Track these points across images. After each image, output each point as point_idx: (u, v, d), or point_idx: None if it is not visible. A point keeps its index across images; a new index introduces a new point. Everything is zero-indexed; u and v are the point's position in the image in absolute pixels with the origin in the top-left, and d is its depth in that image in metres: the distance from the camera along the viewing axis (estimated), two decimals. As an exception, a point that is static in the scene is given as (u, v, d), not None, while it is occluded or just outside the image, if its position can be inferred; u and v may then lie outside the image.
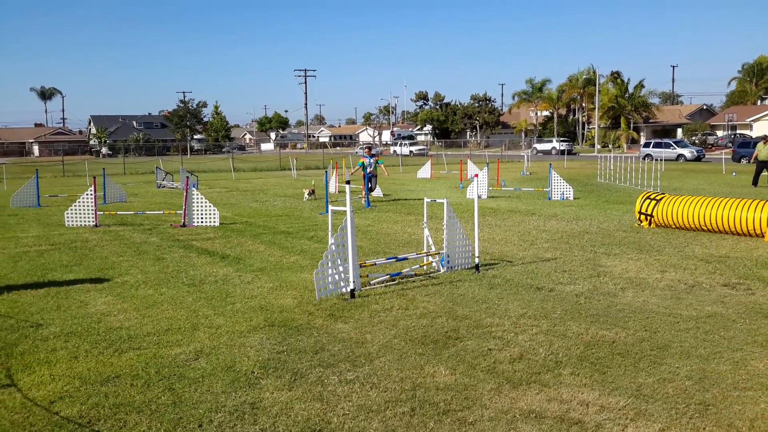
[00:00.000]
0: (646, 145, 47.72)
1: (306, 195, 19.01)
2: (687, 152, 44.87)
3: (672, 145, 45.82)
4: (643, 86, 70.70)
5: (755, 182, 22.32)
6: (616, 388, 4.58)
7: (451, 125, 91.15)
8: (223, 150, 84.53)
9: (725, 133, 66.14)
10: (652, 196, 12.45)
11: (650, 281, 7.87)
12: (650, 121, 73.35)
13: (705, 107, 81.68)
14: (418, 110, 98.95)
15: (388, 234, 11.95)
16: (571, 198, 18.29)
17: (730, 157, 39.79)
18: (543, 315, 6.42)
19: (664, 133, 70.64)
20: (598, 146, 65.87)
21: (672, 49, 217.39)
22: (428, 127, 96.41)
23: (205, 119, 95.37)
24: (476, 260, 8.48)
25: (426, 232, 8.83)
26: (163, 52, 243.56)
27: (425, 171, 30.86)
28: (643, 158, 37.98)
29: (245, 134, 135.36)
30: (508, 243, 10.74)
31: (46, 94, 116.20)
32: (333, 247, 7.22)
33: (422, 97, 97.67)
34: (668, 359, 5.14)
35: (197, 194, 13.70)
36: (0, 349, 5.58)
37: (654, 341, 5.58)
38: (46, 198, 20.26)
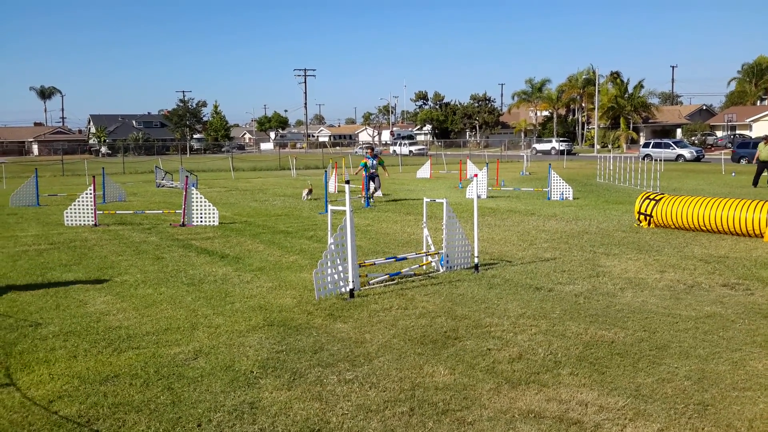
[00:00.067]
0: (646, 145, 47.73)
1: (304, 195, 19.01)
2: (686, 152, 44.89)
3: (671, 146, 45.83)
4: (642, 86, 70.78)
5: (755, 183, 22.29)
6: (615, 388, 4.58)
7: (451, 125, 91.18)
8: (223, 149, 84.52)
9: (725, 133, 66.17)
10: (651, 197, 12.46)
11: (649, 281, 7.87)
12: (650, 121, 73.38)
13: (704, 107, 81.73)
14: (418, 110, 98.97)
15: (388, 234, 11.95)
16: (571, 198, 18.29)
17: (729, 157, 39.78)
18: (542, 315, 6.42)
19: (663, 133, 70.68)
20: (597, 146, 65.91)
21: (672, 49, 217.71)
22: (428, 127, 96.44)
23: (205, 119, 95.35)
24: (475, 260, 8.48)
25: (425, 231, 8.83)
26: (162, 51, 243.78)
27: (425, 171, 30.87)
28: (643, 158, 37.99)
29: (245, 134, 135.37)
30: (508, 243, 10.75)
31: (45, 94, 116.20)
32: (332, 246, 7.22)
33: (422, 96, 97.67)
34: (667, 359, 5.14)
35: (196, 194, 13.69)
36: (-1, 349, 5.58)
37: (653, 341, 5.58)
38: (45, 197, 20.25)
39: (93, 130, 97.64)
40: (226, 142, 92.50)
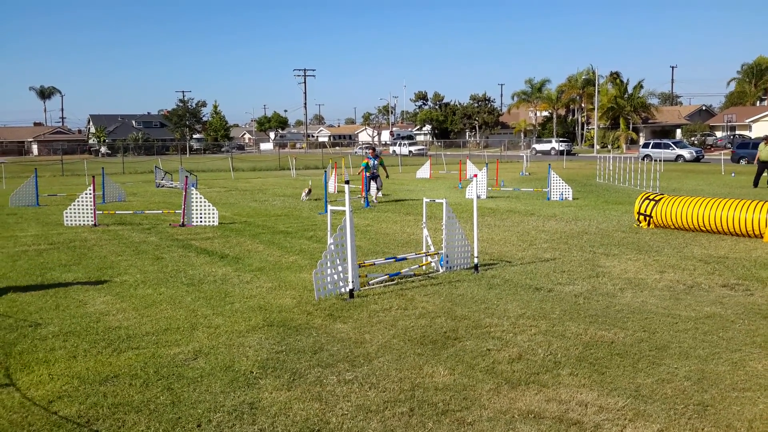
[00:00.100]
0: (645, 145, 47.73)
1: (303, 195, 19.01)
2: (686, 153, 44.90)
3: (671, 146, 45.84)
4: (642, 87, 70.79)
5: (756, 183, 22.24)
6: (614, 389, 4.58)
7: (451, 125, 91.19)
8: (222, 149, 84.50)
9: (724, 133, 66.18)
10: (651, 197, 12.46)
11: (649, 282, 7.87)
12: (649, 121, 73.41)
13: (704, 108, 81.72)
14: (418, 110, 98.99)
15: (387, 234, 11.95)
16: (570, 198, 18.30)
17: (729, 157, 39.79)
18: (542, 315, 6.42)
19: (663, 133, 70.70)
20: (597, 147, 65.93)
21: (671, 49, 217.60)
22: (427, 127, 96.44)
23: (205, 119, 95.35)
24: (475, 260, 8.48)
25: (425, 232, 8.83)
26: (162, 51, 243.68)
27: (424, 171, 30.87)
28: (642, 159, 38.00)
29: (244, 134, 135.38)
30: (507, 243, 10.75)
31: (45, 93, 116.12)
32: (332, 247, 7.22)
33: (421, 97, 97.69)
34: (667, 360, 5.14)
35: (196, 194, 13.69)
36: (-2, 349, 5.58)
37: (653, 342, 5.59)
38: (45, 197, 20.24)
39: (93, 130, 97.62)
40: (225, 142, 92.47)
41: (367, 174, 17.51)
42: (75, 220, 13.67)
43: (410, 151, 68.23)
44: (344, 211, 7.22)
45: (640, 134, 70.76)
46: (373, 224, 13.33)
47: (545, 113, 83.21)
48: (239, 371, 5.00)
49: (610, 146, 66.32)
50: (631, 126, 69.80)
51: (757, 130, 59.46)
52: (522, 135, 79.09)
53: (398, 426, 4.06)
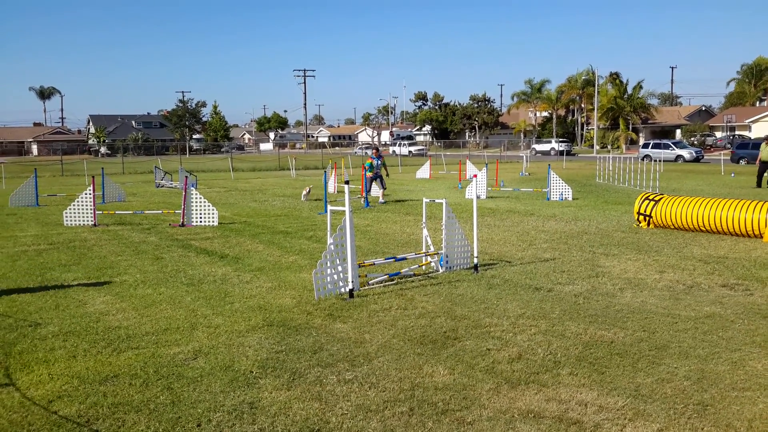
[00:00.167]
0: (645, 145, 47.73)
1: (303, 195, 18.99)
2: (686, 153, 44.90)
3: (671, 146, 45.84)
4: (641, 87, 70.77)
5: (759, 183, 22.18)
6: (614, 388, 4.58)
7: (450, 125, 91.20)
8: (222, 150, 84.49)
9: (724, 134, 66.19)
10: (650, 197, 12.46)
11: (649, 282, 7.87)
12: (649, 122, 73.42)
13: (704, 108, 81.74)
14: (417, 110, 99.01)
15: (387, 234, 11.95)
16: (570, 198, 18.30)
17: (728, 158, 39.80)
18: (542, 315, 6.42)
19: (663, 134, 70.70)
20: (596, 147, 65.93)
21: (671, 49, 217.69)
22: (427, 128, 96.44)
23: (204, 119, 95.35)
24: (475, 260, 8.49)
25: (425, 232, 8.83)
26: (162, 51, 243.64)
27: (424, 171, 30.88)
28: (642, 159, 38.00)
29: (244, 134, 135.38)
30: (507, 243, 10.75)
31: (45, 94, 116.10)
32: (332, 246, 7.22)
33: (421, 97, 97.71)
34: (667, 359, 5.15)
35: (196, 194, 13.69)
36: (-2, 348, 5.58)
37: (652, 341, 5.59)
38: (44, 197, 20.24)
39: (92, 130, 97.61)
40: (225, 142, 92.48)
41: (370, 174, 17.54)
42: (75, 220, 13.67)
43: (410, 152, 68.24)
44: (344, 211, 7.22)
45: (640, 134, 70.77)
46: (372, 224, 13.34)
47: (545, 114, 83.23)
48: (239, 371, 5.00)
49: (609, 146, 66.32)
50: (630, 126, 69.81)
51: (757, 131, 59.47)
52: (522, 135, 79.10)
53: (398, 425, 4.06)
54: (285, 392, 4.58)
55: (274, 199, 19.64)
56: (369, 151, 66.86)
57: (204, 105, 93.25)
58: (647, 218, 12.32)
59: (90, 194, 13.60)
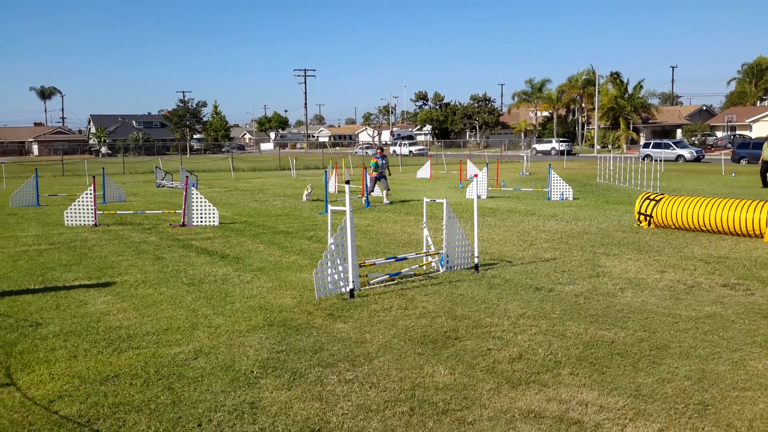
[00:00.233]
0: (646, 145, 47.73)
1: (304, 196, 18.96)
2: (686, 153, 44.89)
3: (671, 146, 45.83)
4: (642, 87, 70.78)
5: (764, 183, 22.03)
6: (615, 388, 4.58)
7: (451, 125, 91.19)
8: (223, 150, 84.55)
9: (725, 133, 66.17)
10: (651, 197, 12.46)
11: (649, 281, 7.87)
12: (650, 121, 73.40)
13: (704, 108, 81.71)
14: (418, 110, 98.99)
15: (388, 234, 11.95)
16: (571, 198, 18.30)
17: (729, 157, 39.78)
18: (542, 315, 6.42)
19: (663, 133, 70.68)
20: (597, 147, 65.91)
21: (672, 49, 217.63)
22: (428, 127, 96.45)
23: (205, 119, 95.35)
24: (475, 260, 8.48)
25: (425, 232, 8.83)
26: (162, 51, 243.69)
27: (425, 171, 30.88)
28: (643, 159, 37.99)
29: (245, 134, 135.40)
30: (508, 243, 10.75)
31: (45, 94, 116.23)
32: (332, 246, 7.22)
33: (422, 97, 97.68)
34: (667, 359, 5.14)
35: (197, 194, 13.70)
36: (-1, 348, 5.59)
37: (653, 341, 5.59)
38: (45, 197, 20.25)
39: (93, 130, 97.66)
40: (226, 142, 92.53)
41: (375, 174, 17.54)
42: (75, 220, 13.68)
43: (410, 151, 68.23)
44: (345, 211, 7.22)
45: (641, 134, 70.75)
46: (373, 224, 13.34)
47: (545, 113, 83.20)
48: (240, 371, 5.00)
49: (610, 146, 66.33)
50: (631, 126, 69.79)
51: (758, 130, 59.48)
52: (522, 135, 79.08)
53: (399, 425, 4.06)
54: (286, 392, 4.59)
55: (275, 199, 19.64)
56: (370, 151, 66.81)
57: (204, 105, 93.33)
58: (648, 218, 12.32)
59: (91, 194, 13.61)
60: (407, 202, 18.01)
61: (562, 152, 54.21)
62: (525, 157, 41.15)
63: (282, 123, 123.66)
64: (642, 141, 61.67)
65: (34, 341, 5.76)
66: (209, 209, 13.59)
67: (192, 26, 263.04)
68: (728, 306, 6.71)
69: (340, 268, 7.27)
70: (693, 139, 63.75)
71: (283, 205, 17.64)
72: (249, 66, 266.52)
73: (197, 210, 13.56)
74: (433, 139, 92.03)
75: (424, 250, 8.80)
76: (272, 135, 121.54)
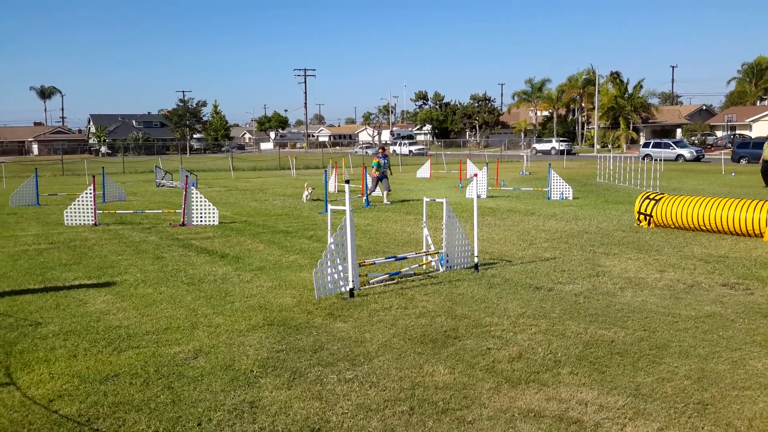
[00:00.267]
0: (646, 145, 47.74)
1: (305, 196, 18.84)
2: (686, 152, 44.90)
3: (671, 146, 45.84)
4: (642, 86, 70.76)
5: (767, 183, 22.03)
6: (614, 388, 4.58)
7: (451, 125, 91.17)
8: (223, 149, 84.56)
9: (724, 133, 66.18)
10: (651, 196, 12.46)
11: (649, 281, 7.87)
12: (649, 121, 73.39)
13: (704, 107, 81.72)
14: (418, 110, 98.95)
15: (388, 233, 11.95)
16: (571, 198, 18.30)
17: (729, 157, 39.79)
18: (542, 314, 6.42)
19: (663, 133, 70.68)
20: (597, 146, 65.91)
21: (671, 49, 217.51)
22: (428, 127, 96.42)
23: (205, 118, 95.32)
24: (475, 260, 8.49)
25: (425, 231, 8.83)
26: (162, 51, 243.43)
27: (425, 170, 30.88)
28: (643, 158, 37.97)
29: (245, 133, 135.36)
30: (507, 242, 10.75)
31: (45, 93, 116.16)
32: (332, 246, 7.22)
33: (422, 96, 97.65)
34: (667, 359, 5.15)
35: (196, 193, 13.70)
36: (-1, 348, 5.59)
37: (653, 341, 5.59)
38: (45, 197, 20.25)
39: (93, 129, 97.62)
40: (226, 141, 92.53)
41: (377, 174, 17.53)
42: (75, 220, 13.68)
43: (410, 151, 68.22)
44: (344, 210, 7.22)
45: (641, 134, 70.74)
46: (373, 223, 13.34)
47: (545, 113, 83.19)
48: (239, 370, 5.00)
49: (610, 146, 66.32)
50: (631, 126, 69.79)
51: (758, 130, 59.49)
52: (522, 135, 79.08)
53: (398, 425, 4.06)
54: (285, 391, 4.59)
55: (275, 199, 19.64)
56: (370, 150, 66.63)
57: (204, 104, 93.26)
58: (648, 217, 12.32)
59: (90, 194, 13.61)
60: (407, 202, 18.02)
61: (562, 152, 54.22)
62: (525, 156, 41.16)
63: (282, 122, 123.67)
64: (642, 140, 61.65)
65: (34, 340, 5.76)
66: (209, 209, 13.59)
67: (192, 26, 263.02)
68: (728, 305, 6.71)
69: (340, 267, 7.27)
70: (693, 138, 63.76)
71: (283, 205, 17.64)
72: (249, 66, 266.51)
73: (197, 209, 13.56)
74: (433, 138, 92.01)
75: (424, 250, 8.80)
76: (272, 134, 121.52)
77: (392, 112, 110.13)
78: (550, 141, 64.00)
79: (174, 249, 10.51)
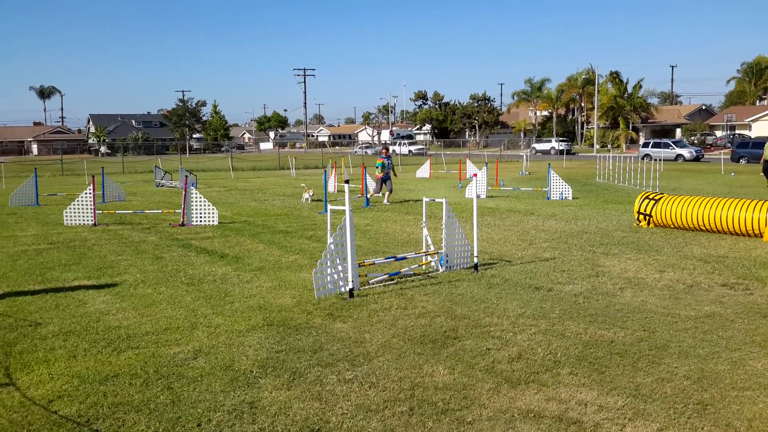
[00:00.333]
0: (645, 145, 47.74)
1: (303, 199, 18.63)
2: (686, 152, 44.90)
3: (671, 145, 45.84)
4: (641, 86, 70.66)
5: None
6: (614, 388, 4.58)
7: (450, 125, 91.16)
8: (222, 149, 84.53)
9: (724, 133, 66.17)
10: (650, 196, 12.46)
11: (649, 281, 7.87)
12: (649, 121, 73.38)
13: (704, 107, 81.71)
14: (417, 110, 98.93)
15: (387, 233, 11.95)
16: (570, 198, 18.30)
17: (728, 157, 39.80)
18: (541, 315, 6.42)
19: (663, 133, 70.68)
20: (596, 146, 65.91)
21: (671, 49, 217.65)
22: (427, 127, 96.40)
23: (204, 118, 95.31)
24: (475, 260, 8.48)
25: (425, 231, 8.83)
26: (162, 51, 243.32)
27: (424, 170, 30.88)
28: (642, 158, 37.98)
29: (244, 133, 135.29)
30: (507, 243, 10.75)
31: (45, 93, 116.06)
32: (332, 246, 7.22)
33: (421, 96, 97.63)
34: (667, 359, 5.15)
35: (196, 193, 13.69)
36: (-2, 348, 5.58)
37: (652, 341, 5.59)
38: (44, 197, 20.24)
39: (92, 129, 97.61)
40: (225, 141, 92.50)
41: (380, 174, 17.52)
42: (75, 220, 13.67)
43: (410, 151, 68.20)
44: (344, 210, 7.22)
45: (640, 134, 70.72)
46: (373, 224, 13.34)
47: (545, 113, 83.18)
48: (239, 371, 5.00)
49: (609, 146, 66.29)
50: (630, 125, 69.76)
51: (757, 130, 59.50)
52: (522, 134, 79.08)
53: (398, 425, 4.06)
54: (285, 392, 4.59)
55: (274, 199, 19.63)
56: (370, 150, 66.46)
57: (204, 104, 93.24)
58: (647, 217, 12.32)
59: (90, 194, 13.61)
60: (407, 202, 18.02)
61: (561, 152, 54.22)
62: (524, 156, 41.15)
63: (281, 122, 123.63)
64: (641, 140, 61.64)
65: (34, 341, 5.76)
66: (208, 209, 13.59)
67: (192, 26, 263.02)
68: (727, 305, 6.71)
69: (340, 267, 7.27)
70: (692, 138, 63.76)
71: (283, 205, 17.63)
72: (249, 65, 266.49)
73: (196, 209, 13.56)
74: (432, 138, 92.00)
75: (424, 250, 8.80)
76: (272, 134, 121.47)
77: (392, 112, 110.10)
78: (550, 141, 64.01)
79: (173, 249, 10.50)
